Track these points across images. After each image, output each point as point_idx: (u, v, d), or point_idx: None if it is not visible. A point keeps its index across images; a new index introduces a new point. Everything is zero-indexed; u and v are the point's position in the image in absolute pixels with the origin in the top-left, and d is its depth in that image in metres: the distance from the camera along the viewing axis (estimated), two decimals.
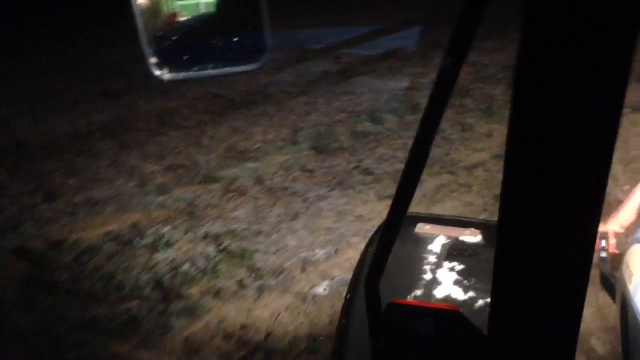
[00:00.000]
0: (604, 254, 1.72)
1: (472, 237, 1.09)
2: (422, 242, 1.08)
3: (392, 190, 3.73)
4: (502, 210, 0.41)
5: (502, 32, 6.52)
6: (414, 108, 5.06)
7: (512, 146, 0.39)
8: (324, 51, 7.25)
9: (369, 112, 5.08)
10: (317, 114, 5.19)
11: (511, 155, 0.39)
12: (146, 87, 6.33)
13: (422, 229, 1.13)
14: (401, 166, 4.14)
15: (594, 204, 0.39)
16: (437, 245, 1.08)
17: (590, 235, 0.40)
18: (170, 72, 1.16)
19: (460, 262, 1.03)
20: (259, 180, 3.99)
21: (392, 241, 0.55)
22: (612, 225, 1.78)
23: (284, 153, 4.45)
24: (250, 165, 4.27)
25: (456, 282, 0.99)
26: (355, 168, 4.06)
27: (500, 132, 4.48)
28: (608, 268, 1.69)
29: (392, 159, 4.17)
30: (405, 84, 5.79)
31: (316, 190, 3.83)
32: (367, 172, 4.00)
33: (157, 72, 1.12)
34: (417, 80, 5.84)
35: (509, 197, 0.40)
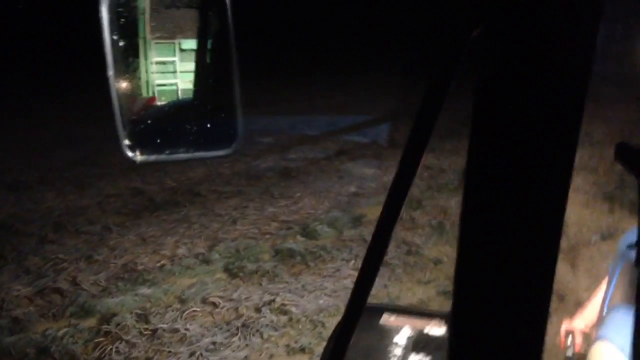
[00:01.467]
0: (569, 353, 1.70)
1: (438, 328, 1.07)
2: (387, 334, 1.06)
3: (307, 339, 2.91)
4: (454, 302, 0.40)
5: (460, 132, 6.04)
6: (355, 220, 4.35)
7: (464, 238, 0.39)
8: (272, 144, 6.65)
9: (303, 223, 4.34)
10: (244, 222, 4.44)
11: (462, 246, 0.39)
12: (63, 178, 5.58)
13: (387, 320, 1.10)
14: (327, 300, 3.35)
15: (543, 293, 0.39)
16: (402, 337, 1.06)
17: (540, 324, 0.40)
18: (142, 154, 1.13)
19: (426, 355, 1.01)
20: (145, 317, 3.15)
21: (350, 334, 0.51)
22: (578, 323, 1.74)
23: (190, 275, 3.63)
24: (143, 291, 3.43)
25: None
26: (268, 303, 3.24)
27: (451, 258, 3.76)
28: None
29: (316, 291, 3.37)
30: (352, 187, 5.13)
31: (213, 334, 2.99)
32: (282, 310, 3.18)
33: (130, 154, 1.12)
34: (365, 184, 5.19)
35: (460, 291, 0.40)
